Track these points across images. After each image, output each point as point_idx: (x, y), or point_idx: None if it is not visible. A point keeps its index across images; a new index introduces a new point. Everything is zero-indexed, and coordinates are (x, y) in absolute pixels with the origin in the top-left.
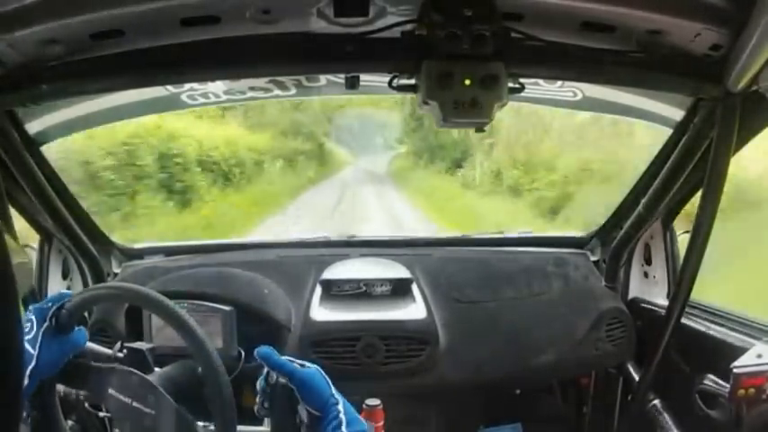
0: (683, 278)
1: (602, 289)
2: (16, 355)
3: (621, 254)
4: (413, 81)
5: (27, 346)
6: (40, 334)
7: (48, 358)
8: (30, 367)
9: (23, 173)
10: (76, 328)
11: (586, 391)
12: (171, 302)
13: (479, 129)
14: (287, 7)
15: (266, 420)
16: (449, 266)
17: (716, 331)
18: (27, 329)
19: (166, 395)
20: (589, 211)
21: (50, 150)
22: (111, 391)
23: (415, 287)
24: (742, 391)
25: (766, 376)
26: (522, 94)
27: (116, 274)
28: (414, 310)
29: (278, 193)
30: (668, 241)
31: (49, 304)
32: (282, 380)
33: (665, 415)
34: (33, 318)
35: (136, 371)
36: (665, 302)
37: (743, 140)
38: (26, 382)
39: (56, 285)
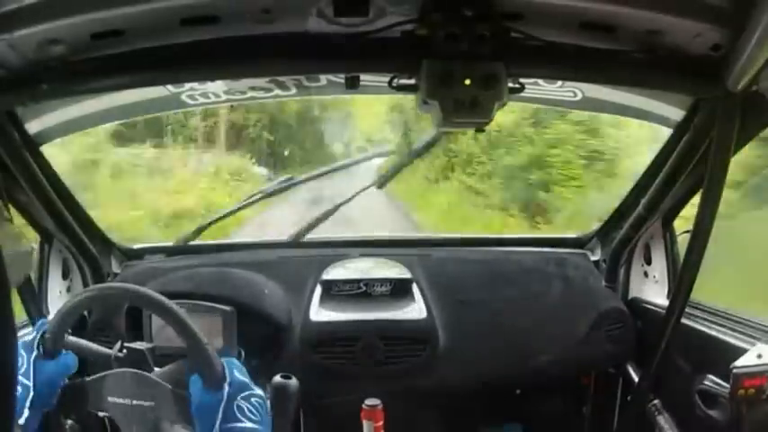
0: (683, 278)
1: (603, 289)
2: (10, 375)
3: (621, 254)
4: (413, 81)
5: (21, 378)
6: (31, 364)
7: (44, 384)
8: (29, 398)
9: (23, 173)
10: (64, 352)
11: (586, 391)
12: (146, 289)
13: (479, 129)
14: (287, 7)
15: None
16: (449, 266)
17: (716, 331)
18: (19, 364)
19: (160, 381)
20: None
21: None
22: (110, 398)
23: (415, 287)
24: (742, 392)
25: (766, 376)
26: (522, 94)
27: (116, 275)
28: (414, 311)
29: None
30: (668, 241)
31: (34, 333)
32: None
33: (665, 415)
34: (22, 351)
35: (129, 369)
36: (665, 302)
37: (743, 140)
38: (26, 413)
39: (56, 285)
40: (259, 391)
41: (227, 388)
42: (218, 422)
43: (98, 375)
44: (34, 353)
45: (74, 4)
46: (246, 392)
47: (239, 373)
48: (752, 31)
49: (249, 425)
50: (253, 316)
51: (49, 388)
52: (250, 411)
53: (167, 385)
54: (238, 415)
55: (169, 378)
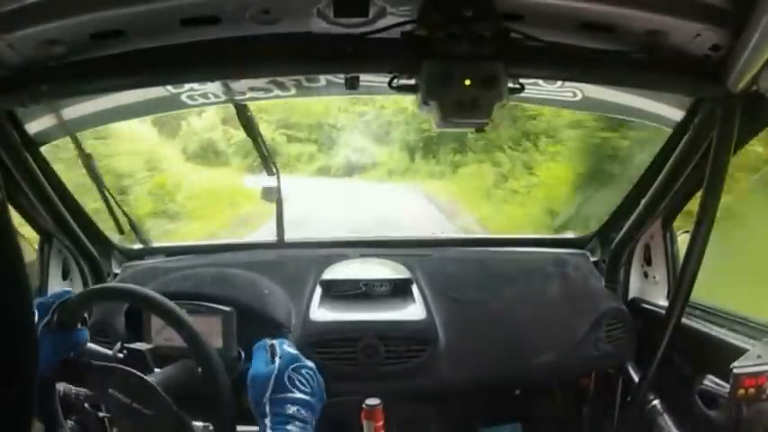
0: (683, 278)
1: (602, 289)
2: (31, 343)
3: (621, 254)
4: (413, 81)
5: None
6: (40, 328)
7: (46, 353)
8: None
9: (23, 173)
10: (79, 328)
11: (586, 391)
12: (176, 307)
13: (479, 129)
14: (287, 7)
15: None
16: (449, 267)
17: (716, 331)
18: None
19: (167, 398)
20: None
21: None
22: (111, 390)
23: (414, 287)
24: (742, 392)
25: (766, 376)
26: (522, 94)
27: (116, 275)
28: (413, 311)
29: None
30: (668, 241)
31: (52, 300)
32: None
33: (665, 416)
34: (35, 312)
35: (137, 372)
36: (665, 303)
37: (743, 140)
38: None
39: (56, 286)
40: (310, 364)
41: (278, 361)
42: (268, 392)
43: (105, 363)
44: (47, 317)
45: (74, 4)
46: (296, 364)
47: (289, 347)
48: (752, 32)
49: (299, 395)
50: (253, 316)
51: (50, 357)
52: (300, 383)
53: (169, 399)
54: (288, 385)
55: (173, 384)
